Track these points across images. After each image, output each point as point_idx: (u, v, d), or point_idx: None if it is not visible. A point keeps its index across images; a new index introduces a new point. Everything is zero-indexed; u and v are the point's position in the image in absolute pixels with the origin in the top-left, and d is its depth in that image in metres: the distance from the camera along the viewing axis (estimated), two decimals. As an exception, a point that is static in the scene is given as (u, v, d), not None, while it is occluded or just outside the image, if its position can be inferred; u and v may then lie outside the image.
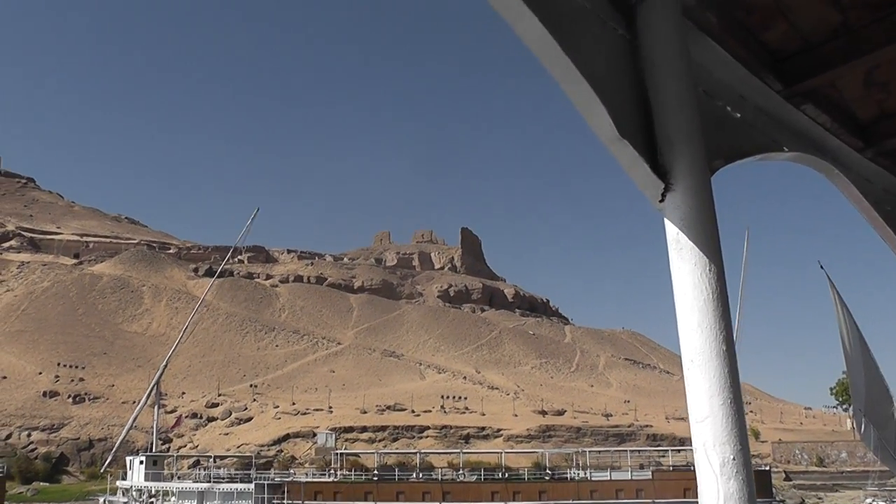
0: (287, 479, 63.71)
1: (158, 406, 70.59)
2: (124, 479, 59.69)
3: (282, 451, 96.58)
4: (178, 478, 64.67)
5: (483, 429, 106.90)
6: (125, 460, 61.73)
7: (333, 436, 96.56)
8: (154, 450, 67.60)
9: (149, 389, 71.52)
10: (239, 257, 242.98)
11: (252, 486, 57.93)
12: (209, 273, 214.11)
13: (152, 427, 69.68)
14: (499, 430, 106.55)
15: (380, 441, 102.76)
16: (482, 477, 74.46)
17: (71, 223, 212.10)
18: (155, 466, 60.04)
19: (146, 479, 58.07)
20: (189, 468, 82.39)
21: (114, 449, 66.10)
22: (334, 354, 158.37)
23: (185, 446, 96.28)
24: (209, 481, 59.97)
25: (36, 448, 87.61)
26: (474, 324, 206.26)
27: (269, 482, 60.57)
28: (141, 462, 59.27)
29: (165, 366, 73.72)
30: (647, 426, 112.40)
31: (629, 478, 66.17)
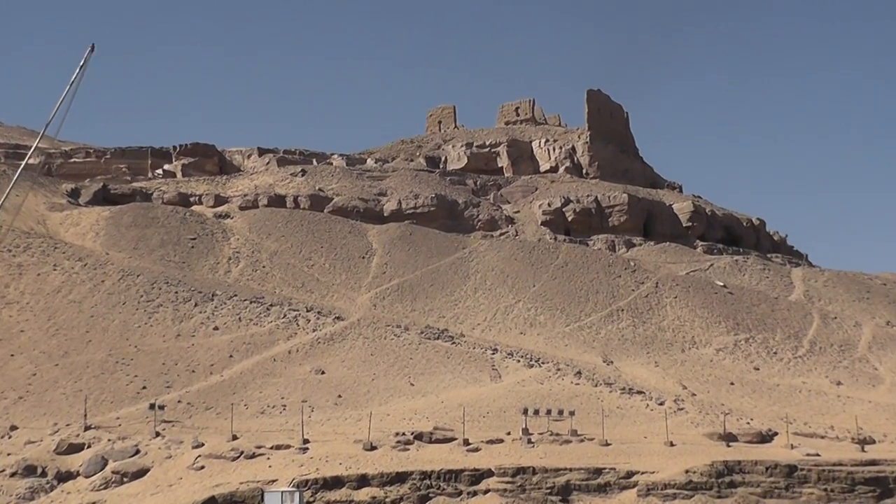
0: None
1: None
2: None
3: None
4: None
5: (600, 472, 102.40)
6: None
7: (298, 497, 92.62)
8: None
9: None
10: (165, 167, 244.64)
11: None
12: (102, 199, 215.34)
13: None
14: (631, 475, 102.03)
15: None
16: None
17: None
18: None
19: None
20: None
21: None
22: (327, 340, 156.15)
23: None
24: None
25: None
26: (608, 271, 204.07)
27: None
28: None
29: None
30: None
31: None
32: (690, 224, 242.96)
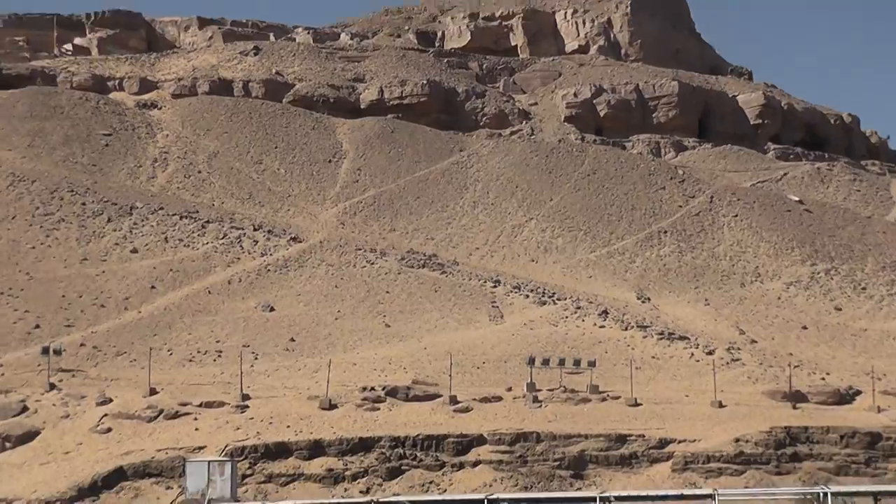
0: None
1: None
2: None
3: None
4: None
5: (624, 440, 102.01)
6: None
7: (230, 468, 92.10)
8: None
9: None
10: (76, 41, 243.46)
11: None
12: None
13: None
14: (665, 444, 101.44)
15: (356, 479, 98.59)
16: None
17: None
18: None
19: None
20: None
21: None
22: (279, 267, 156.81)
23: None
24: None
25: None
26: (649, 181, 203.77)
27: None
28: None
29: None
30: None
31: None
32: (760, 121, 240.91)
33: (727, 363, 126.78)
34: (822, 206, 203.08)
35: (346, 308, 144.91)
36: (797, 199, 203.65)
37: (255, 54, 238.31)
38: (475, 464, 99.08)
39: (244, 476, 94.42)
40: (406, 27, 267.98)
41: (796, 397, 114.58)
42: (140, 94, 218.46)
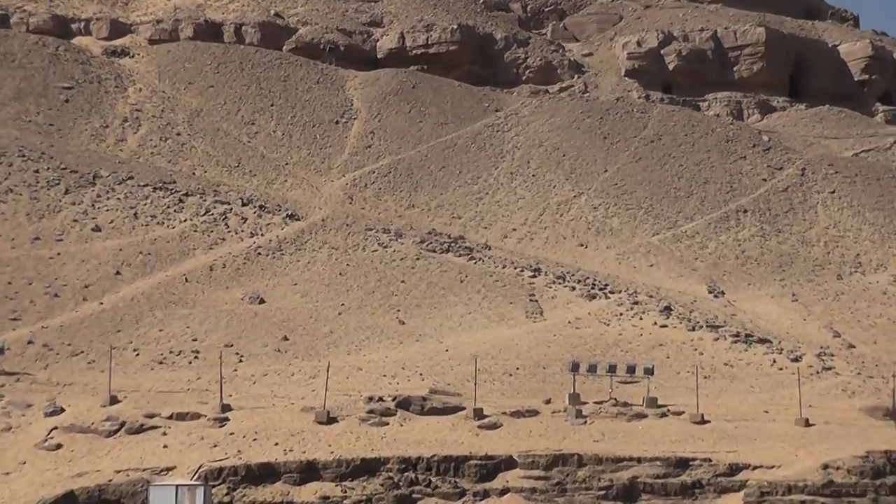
0: None
1: None
2: None
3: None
4: None
5: (687, 465, 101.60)
6: None
7: (203, 494, 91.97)
8: None
9: None
10: None
11: None
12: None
13: None
14: (736, 470, 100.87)
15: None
16: None
17: None
18: None
19: None
20: None
21: None
22: (272, 251, 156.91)
23: None
24: None
25: None
26: (727, 149, 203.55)
27: None
28: None
29: None
30: None
31: None
32: (866, 77, 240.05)
33: (817, 372, 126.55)
34: (870, 168, 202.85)
35: (351, 301, 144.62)
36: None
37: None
38: (503, 492, 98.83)
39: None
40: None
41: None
42: (109, 40, 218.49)
